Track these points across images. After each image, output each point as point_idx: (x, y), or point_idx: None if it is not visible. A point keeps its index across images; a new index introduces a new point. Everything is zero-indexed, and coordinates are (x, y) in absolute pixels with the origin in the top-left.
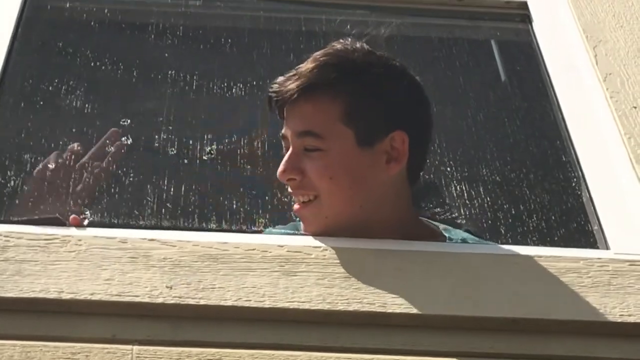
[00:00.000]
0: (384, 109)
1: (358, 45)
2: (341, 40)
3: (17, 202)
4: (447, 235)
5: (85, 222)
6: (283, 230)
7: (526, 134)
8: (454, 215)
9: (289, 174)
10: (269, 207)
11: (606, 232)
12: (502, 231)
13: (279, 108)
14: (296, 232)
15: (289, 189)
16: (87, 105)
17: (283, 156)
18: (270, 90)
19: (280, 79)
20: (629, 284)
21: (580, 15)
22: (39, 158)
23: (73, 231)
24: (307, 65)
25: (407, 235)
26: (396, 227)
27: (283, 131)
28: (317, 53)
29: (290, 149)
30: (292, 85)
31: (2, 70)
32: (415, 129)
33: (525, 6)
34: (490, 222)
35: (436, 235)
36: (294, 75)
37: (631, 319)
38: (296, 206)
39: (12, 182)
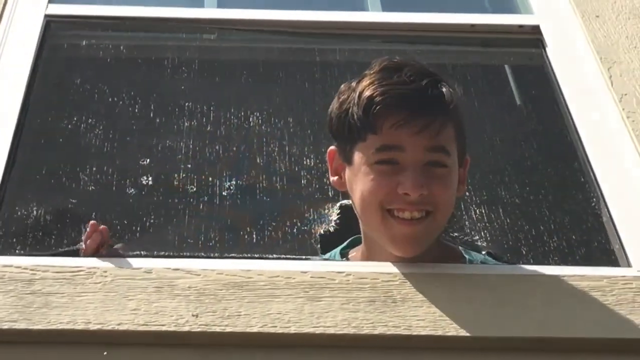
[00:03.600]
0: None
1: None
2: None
3: None
4: (467, 256)
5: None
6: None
7: (544, 157)
8: (474, 239)
9: (424, 189)
10: (290, 233)
11: (628, 250)
12: (524, 252)
13: (393, 114)
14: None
15: (398, 202)
16: (106, 144)
17: (380, 169)
18: (402, 95)
19: (393, 82)
20: None
21: (593, 38)
22: (59, 196)
23: (98, 263)
24: (430, 85)
25: (431, 256)
26: (433, 249)
27: (393, 141)
28: (427, 70)
29: (413, 161)
30: (443, 102)
31: (21, 109)
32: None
33: (538, 30)
34: (511, 244)
35: (457, 257)
36: (422, 84)
37: None
38: (405, 228)
39: (35, 217)
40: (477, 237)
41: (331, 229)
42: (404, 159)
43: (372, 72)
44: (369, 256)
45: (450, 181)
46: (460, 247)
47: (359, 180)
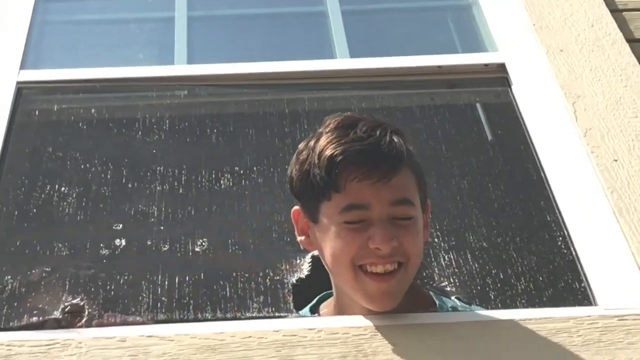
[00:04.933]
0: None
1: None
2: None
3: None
4: (437, 302)
5: (84, 319)
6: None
7: (511, 197)
8: (442, 285)
9: (394, 241)
10: (262, 290)
11: (594, 288)
12: (492, 296)
13: (351, 172)
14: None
15: (370, 257)
16: (79, 212)
17: (349, 227)
18: (360, 152)
19: (347, 140)
20: (618, 339)
21: (557, 72)
22: (34, 268)
23: (73, 334)
24: (385, 136)
25: (403, 303)
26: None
27: (359, 200)
28: (379, 122)
29: (380, 216)
30: (398, 152)
31: None
32: None
33: (503, 68)
34: (479, 288)
35: (428, 302)
36: (375, 138)
37: None
38: (379, 284)
39: (10, 291)
40: (446, 283)
41: (303, 276)
42: (370, 216)
43: (327, 130)
44: (340, 310)
45: (417, 230)
46: (431, 292)
47: (328, 239)
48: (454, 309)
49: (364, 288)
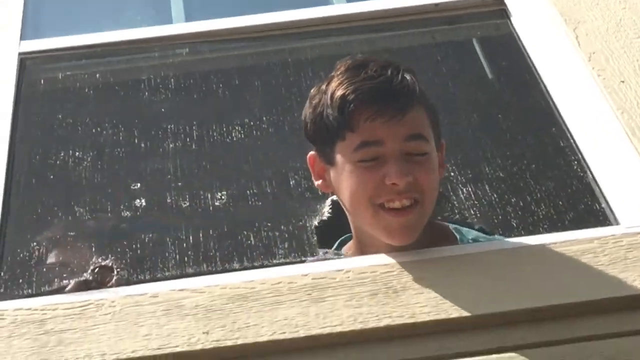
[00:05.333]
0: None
1: None
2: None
3: None
4: (457, 235)
5: (114, 279)
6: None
7: (521, 127)
8: (464, 217)
9: (409, 176)
10: (286, 237)
11: (614, 208)
12: (514, 225)
13: (367, 110)
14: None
15: (388, 193)
16: (95, 174)
17: (364, 166)
18: (372, 89)
19: (369, 83)
20: None
21: (556, 0)
22: (56, 232)
23: (105, 294)
24: (395, 71)
25: (424, 240)
26: (425, 233)
27: (373, 137)
28: (390, 62)
29: (394, 153)
30: (411, 89)
31: (9, 151)
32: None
33: (501, 1)
34: (500, 217)
35: (448, 236)
36: (394, 82)
37: None
38: (398, 218)
39: (37, 257)
40: (467, 215)
41: (325, 218)
42: (384, 153)
43: (338, 72)
44: (362, 249)
45: (432, 166)
46: (451, 226)
47: (344, 180)
48: (475, 240)
49: (383, 224)
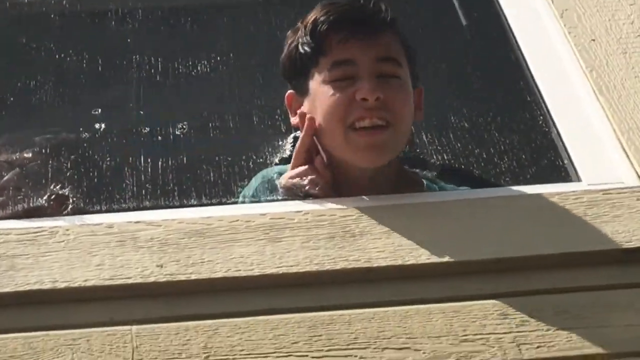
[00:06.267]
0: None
1: None
2: None
3: None
4: (425, 182)
5: (69, 207)
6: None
7: (489, 79)
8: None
9: (378, 92)
10: (246, 173)
11: (577, 164)
12: (476, 175)
13: (340, 32)
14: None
15: (359, 110)
16: (56, 99)
17: (336, 85)
18: (340, 13)
19: (345, 5)
20: (604, 212)
21: None
22: (13, 155)
23: (60, 222)
24: (371, 2)
25: (391, 178)
26: (392, 173)
27: (345, 56)
28: None
29: (365, 72)
30: (384, 14)
31: None
32: None
33: None
34: (462, 167)
35: (416, 183)
36: (368, 6)
37: (609, 247)
38: (367, 138)
39: None
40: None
41: (285, 156)
42: (357, 72)
43: (313, 9)
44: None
45: (405, 92)
46: (419, 173)
47: (318, 104)
48: (442, 188)
49: (353, 145)
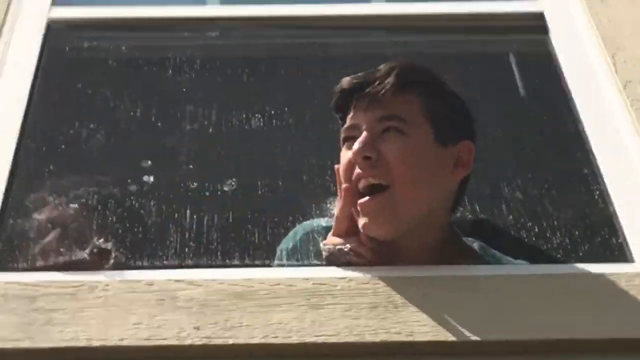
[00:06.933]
0: (458, 116)
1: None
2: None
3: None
4: (480, 253)
5: (111, 262)
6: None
7: (547, 149)
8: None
9: (366, 150)
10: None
11: (631, 245)
12: (527, 249)
13: (352, 101)
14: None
15: (357, 171)
16: (108, 146)
17: (345, 146)
18: (349, 84)
19: (358, 75)
20: None
21: (598, 23)
22: (59, 202)
23: (100, 277)
24: (389, 69)
25: (443, 251)
26: (438, 240)
27: (352, 122)
28: (391, 62)
29: (365, 132)
30: (389, 79)
31: (24, 113)
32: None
33: (541, 17)
34: (512, 240)
35: (469, 253)
36: (378, 74)
37: None
38: (362, 200)
39: (37, 229)
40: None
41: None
42: (360, 134)
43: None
44: None
45: (407, 147)
46: (476, 244)
47: None
48: (497, 261)
49: (358, 210)
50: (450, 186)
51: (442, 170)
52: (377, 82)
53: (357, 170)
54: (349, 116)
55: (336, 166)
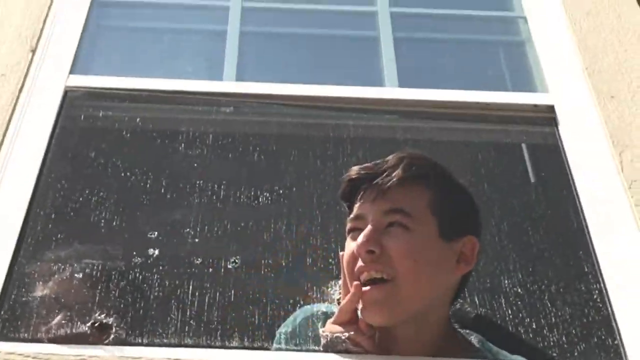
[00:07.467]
0: (463, 211)
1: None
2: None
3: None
4: (478, 346)
5: (111, 337)
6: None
7: (550, 244)
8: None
9: (370, 245)
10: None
11: (627, 345)
12: (524, 345)
13: (360, 190)
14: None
15: (360, 264)
16: (116, 217)
17: (350, 237)
18: (357, 174)
19: (366, 166)
20: None
21: (607, 119)
22: (64, 273)
23: (99, 351)
24: (397, 161)
25: (440, 343)
26: (436, 331)
27: (358, 212)
28: (400, 153)
29: (370, 225)
30: (397, 172)
31: (36, 181)
32: (478, 239)
33: (552, 110)
34: (509, 335)
35: (468, 347)
36: (385, 165)
37: None
38: (365, 288)
39: (40, 299)
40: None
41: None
42: (365, 226)
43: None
44: None
45: (412, 245)
46: (475, 338)
47: None
48: (494, 356)
49: (359, 299)
50: (451, 282)
51: (445, 266)
52: (385, 174)
53: (360, 263)
54: (356, 205)
55: (341, 253)
